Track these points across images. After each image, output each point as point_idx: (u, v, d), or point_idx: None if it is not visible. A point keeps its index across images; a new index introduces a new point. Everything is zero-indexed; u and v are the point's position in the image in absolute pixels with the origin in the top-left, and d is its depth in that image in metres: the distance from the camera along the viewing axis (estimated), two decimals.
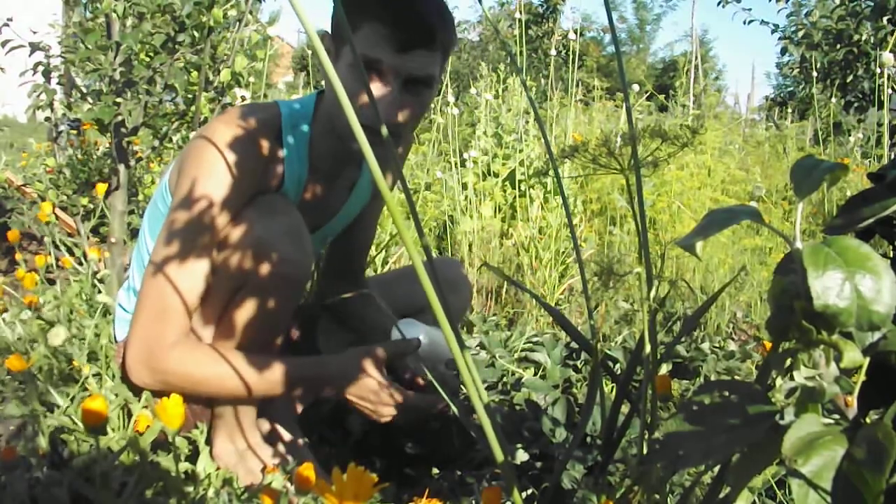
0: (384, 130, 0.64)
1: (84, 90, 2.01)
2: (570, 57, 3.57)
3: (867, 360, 0.47)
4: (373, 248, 2.48)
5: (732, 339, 2.19)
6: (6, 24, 1.93)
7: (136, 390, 1.09)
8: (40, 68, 1.91)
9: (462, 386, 1.24)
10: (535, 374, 1.68)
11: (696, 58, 5.88)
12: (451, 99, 3.19)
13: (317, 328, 1.45)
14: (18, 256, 1.63)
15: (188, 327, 1.06)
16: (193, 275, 1.04)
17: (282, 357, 1.08)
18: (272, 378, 1.06)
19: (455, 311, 1.42)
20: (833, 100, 4.88)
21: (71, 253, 1.87)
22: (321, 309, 1.45)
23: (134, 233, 2.12)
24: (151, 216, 1.19)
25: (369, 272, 1.92)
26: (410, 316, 1.42)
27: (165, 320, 1.03)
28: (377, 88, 1.03)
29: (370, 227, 1.43)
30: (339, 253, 1.37)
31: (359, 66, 0.96)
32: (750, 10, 5.86)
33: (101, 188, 1.90)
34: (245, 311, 1.05)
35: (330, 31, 1.09)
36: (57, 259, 1.66)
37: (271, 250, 1.02)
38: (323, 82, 1.37)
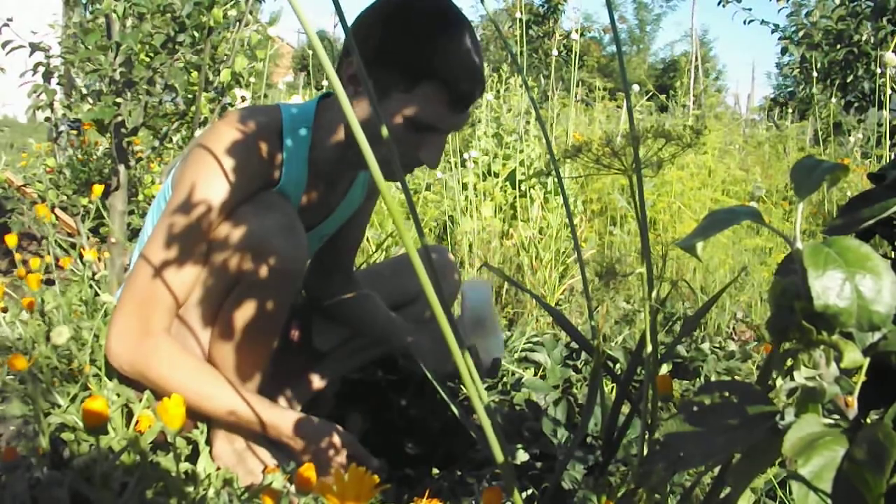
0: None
1: (84, 90, 2.01)
2: (571, 57, 3.57)
3: (867, 360, 0.47)
4: (373, 247, 2.49)
5: (733, 340, 2.19)
6: (6, 25, 1.93)
7: (139, 387, 1.09)
8: (40, 69, 1.91)
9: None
10: (535, 374, 1.68)
11: (697, 58, 5.88)
12: None
13: (311, 327, 1.45)
14: (18, 257, 1.63)
15: (170, 324, 1.06)
16: (184, 272, 1.04)
17: (261, 402, 1.08)
18: (236, 421, 1.06)
19: (446, 297, 1.43)
20: (833, 100, 4.89)
21: (71, 251, 1.87)
22: (313, 308, 1.45)
23: (134, 233, 2.12)
24: (155, 215, 1.19)
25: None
26: (402, 306, 1.45)
27: (152, 308, 1.03)
28: (430, 142, 1.06)
29: (362, 225, 1.44)
30: (329, 251, 1.37)
31: (414, 127, 1.01)
32: (750, 10, 5.87)
33: (98, 189, 1.90)
34: (241, 308, 1.05)
35: (347, 57, 1.04)
36: (56, 259, 1.65)
37: (266, 246, 1.02)
38: (325, 83, 1.37)
